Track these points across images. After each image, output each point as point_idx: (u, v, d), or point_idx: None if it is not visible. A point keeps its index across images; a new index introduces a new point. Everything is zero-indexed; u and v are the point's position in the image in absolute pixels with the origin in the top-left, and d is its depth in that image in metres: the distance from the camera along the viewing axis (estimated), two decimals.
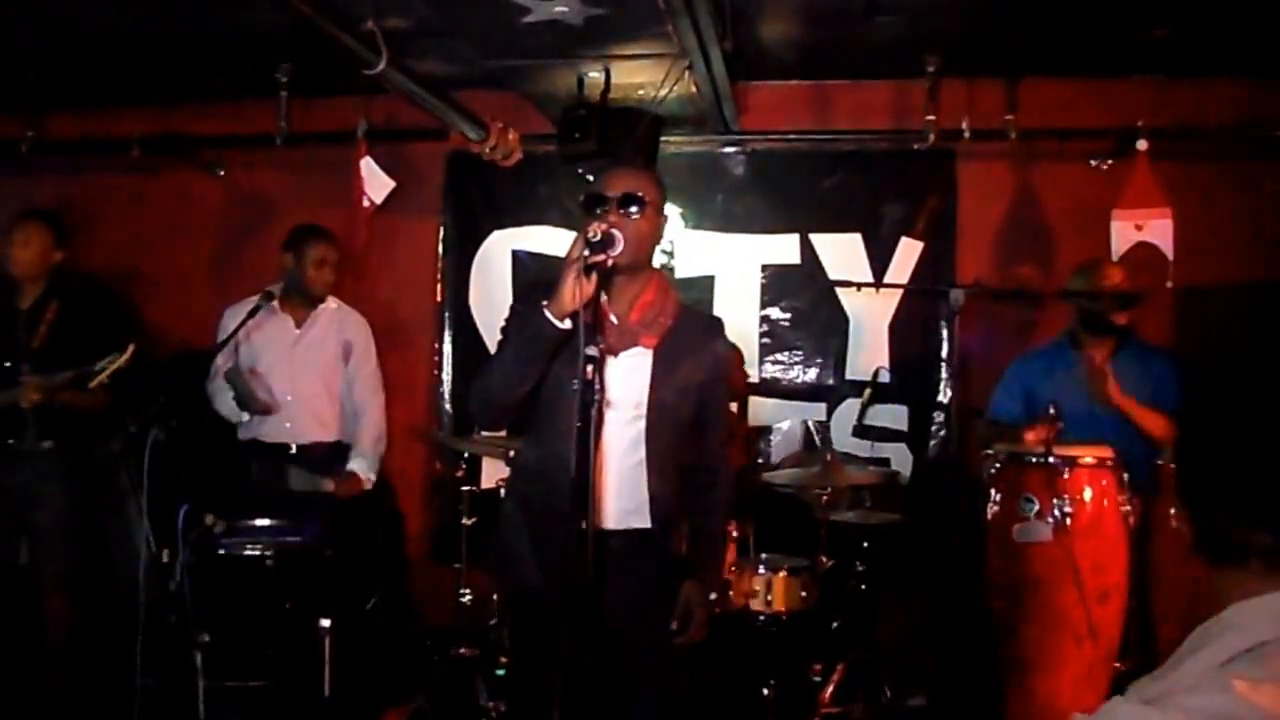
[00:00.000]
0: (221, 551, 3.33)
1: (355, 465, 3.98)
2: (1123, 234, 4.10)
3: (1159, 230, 4.08)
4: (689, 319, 2.47)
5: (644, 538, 2.38)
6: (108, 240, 5.10)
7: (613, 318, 2.33)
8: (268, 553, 3.37)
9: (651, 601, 2.40)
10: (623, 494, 2.35)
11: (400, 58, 3.43)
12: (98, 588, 3.91)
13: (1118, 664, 3.22)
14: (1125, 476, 3.25)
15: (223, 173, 5.08)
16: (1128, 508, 3.22)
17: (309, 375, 4.00)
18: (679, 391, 2.38)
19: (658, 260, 4.68)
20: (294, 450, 3.96)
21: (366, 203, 4.39)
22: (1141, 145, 4.14)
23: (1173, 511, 3.20)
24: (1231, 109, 4.33)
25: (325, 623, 3.31)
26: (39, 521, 3.81)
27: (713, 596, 2.48)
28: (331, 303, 4.11)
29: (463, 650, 3.91)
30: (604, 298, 2.29)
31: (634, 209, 2.32)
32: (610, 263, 2.22)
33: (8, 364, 3.73)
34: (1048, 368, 3.66)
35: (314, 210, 4.62)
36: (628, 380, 2.34)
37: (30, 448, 3.77)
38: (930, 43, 4.17)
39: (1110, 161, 4.41)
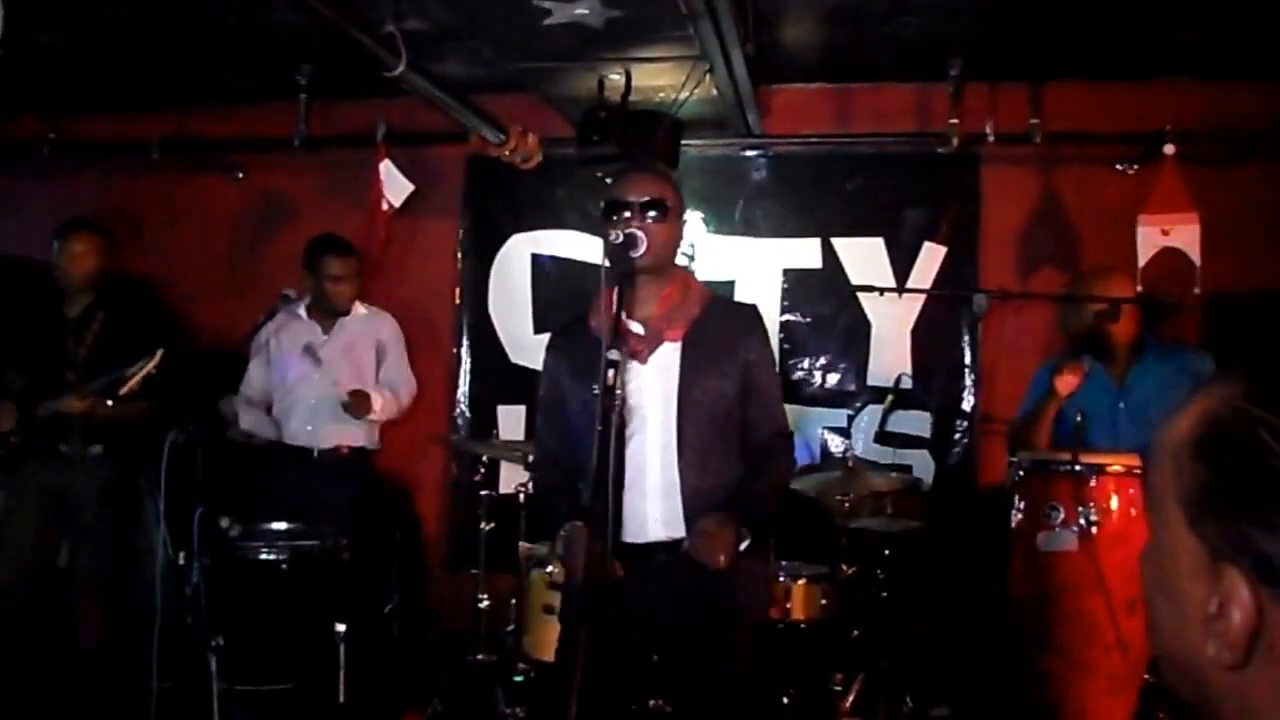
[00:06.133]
0: (237, 555, 3.33)
1: (372, 391, 3.97)
2: (1149, 239, 4.05)
3: (1186, 235, 4.02)
4: (718, 307, 2.41)
5: (678, 548, 2.26)
6: (127, 243, 5.10)
7: (635, 326, 2.29)
8: (283, 556, 3.36)
9: (695, 616, 2.28)
10: (663, 502, 2.28)
11: (420, 60, 3.43)
12: (113, 591, 3.92)
13: (1147, 676, 3.16)
14: None
15: (241, 175, 5.09)
16: None
17: (335, 381, 3.99)
18: (713, 382, 2.30)
19: (679, 263, 4.70)
20: (316, 454, 3.96)
21: (385, 206, 4.40)
22: (1168, 149, 4.09)
23: None
24: (1260, 112, 4.25)
25: (341, 627, 3.29)
26: (81, 525, 3.85)
27: (744, 538, 2.25)
28: (360, 308, 4.12)
29: (480, 656, 3.89)
30: (625, 311, 2.23)
31: (655, 213, 2.28)
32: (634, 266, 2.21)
33: (56, 372, 3.77)
34: None
35: (333, 213, 4.64)
36: (660, 381, 2.29)
37: (77, 453, 3.80)
38: (953, 45, 4.12)
39: (1136, 166, 4.34)
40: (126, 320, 3.94)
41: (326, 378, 4.00)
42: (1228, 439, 0.70)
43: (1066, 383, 3.36)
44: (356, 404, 3.91)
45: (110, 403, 3.61)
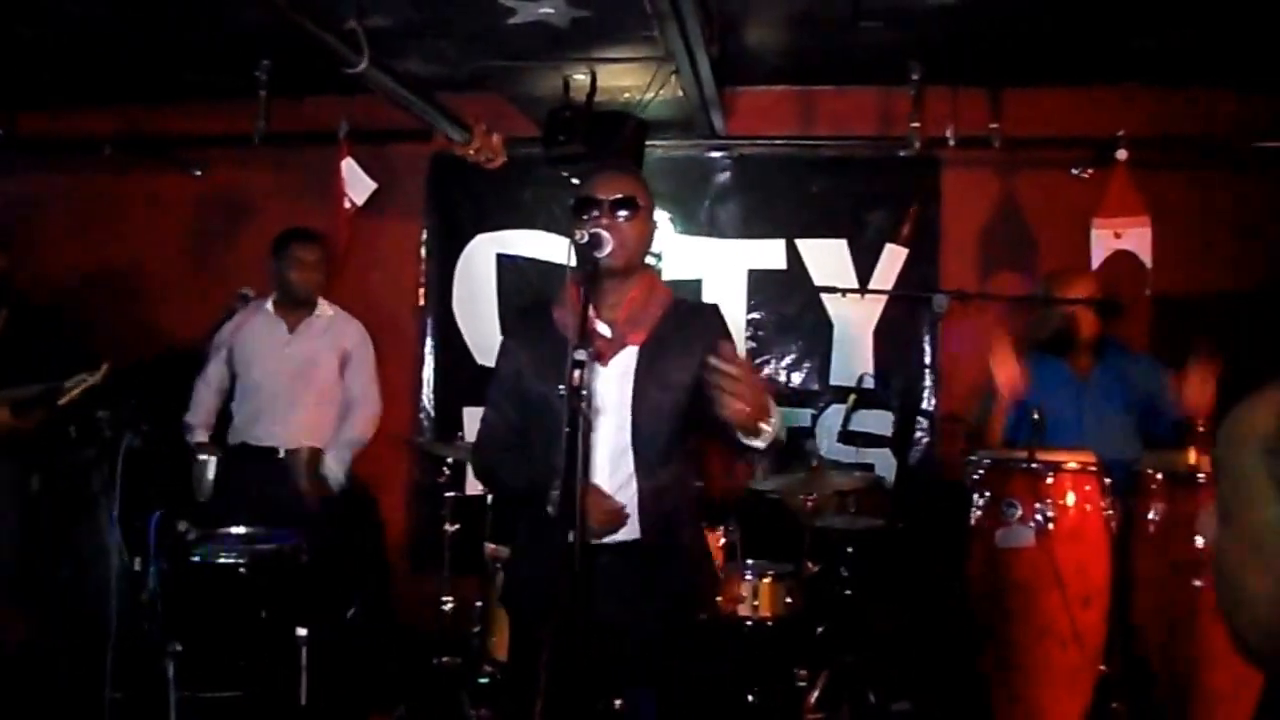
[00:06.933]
0: (195, 559, 3.27)
1: (327, 467, 3.92)
2: (1102, 242, 4.14)
3: (1138, 239, 4.11)
4: (680, 310, 2.38)
5: (634, 551, 2.26)
6: (82, 241, 5.02)
7: (602, 327, 2.27)
8: (242, 560, 3.30)
9: (648, 619, 2.26)
10: None
11: (383, 58, 3.40)
12: (62, 598, 3.83)
13: (1102, 668, 3.23)
14: (1107, 481, 3.26)
15: (200, 172, 5.01)
16: (1110, 512, 3.24)
17: (300, 380, 3.95)
18: (669, 385, 2.28)
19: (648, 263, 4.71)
20: (281, 454, 3.90)
21: (347, 204, 4.36)
22: (1121, 154, 4.18)
23: (1150, 515, 3.23)
24: (1211, 119, 4.37)
25: (302, 631, 3.24)
26: None
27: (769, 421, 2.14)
28: (328, 309, 4.06)
29: (445, 659, 3.87)
30: (591, 311, 2.20)
31: (625, 212, 2.27)
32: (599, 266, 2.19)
33: None
34: (1034, 374, 3.67)
35: (294, 211, 4.58)
36: (619, 384, 2.27)
37: None
38: (915, 50, 4.18)
39: (1091, 170, 4.43)
40: (34, 323, 3.82)
41: (292, 379, 3.94)
42: None
43: (1006, 376, 3.38)
44: (315, 490, 3.87)
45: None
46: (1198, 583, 2.98)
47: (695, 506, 2.44)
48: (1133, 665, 3.25)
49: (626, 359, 2.29)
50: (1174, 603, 3.06)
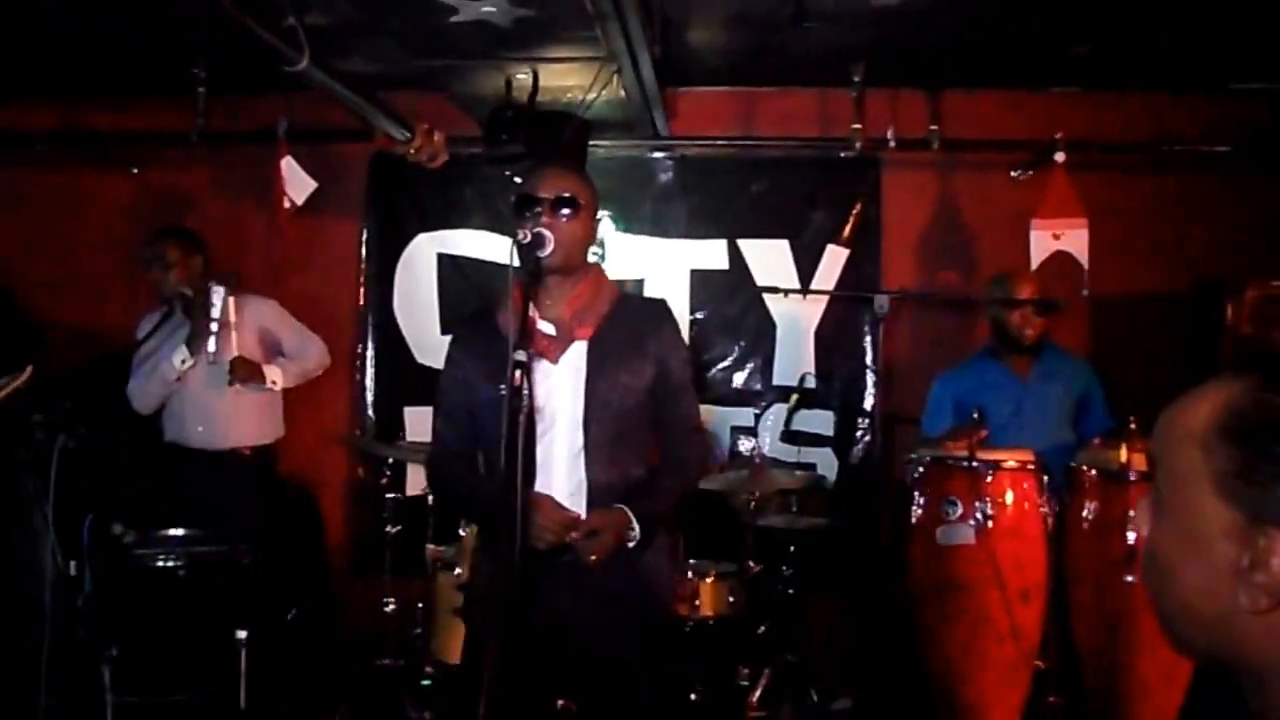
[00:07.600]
0: (133, 562, 3.22)
1: (267, 368, 3.88)
2: (1041, 243, 4.21)
3: (1075, 240, 4.19)
4: (628, 304, 2.38)
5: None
6: (14, 239, 4.89)
7: (546, 326, 2.26)
8: (180, 563, 3.26)
9: (604, 616, 2.25)
10: (570, 501, 2.24)
11: (323, 56, 3.35)
12: None
13: (1038, 662, 3.29)
14: (1045, 479, 3.33)
15: (136, 170, 4.91)
16: (1046, 509, 3.30)
17: (214, 372, 3.86)
18: (620, 383, 2.27)
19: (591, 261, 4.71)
20: (210, 456, 3.83)
21: (287, 203, 4.29)
22: (1059, 157, 4.25)
23: (1085, 512, 3.30)
24: (1147, 123, 4.48)
25: (242, 634, 3.20)
26: None
27: (633, 531, 2.24)
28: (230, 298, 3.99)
29: (387, 661, 3.85)
30: (534, 311, 2.20)
31: (567, 210, 2.25)
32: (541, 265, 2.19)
33: None
34: (972, 381, 3.73)
35: (232, 210, 4.53)
36: (571, 381, 2.26)
37: None
38: (856, 53, 4.22)
39: (1029, 172, 4.52)
40: None
41: (206, 372, 3.84)
42: (1257, 423, 0.84)
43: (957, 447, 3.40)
44: (244, 371, 3.79)
45: None
46: (1129, 578, 3.04)
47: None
48: (1069, 660, 3.32)
49: (576, 355, 2.27)
50: (1107, 597, 3.13)
